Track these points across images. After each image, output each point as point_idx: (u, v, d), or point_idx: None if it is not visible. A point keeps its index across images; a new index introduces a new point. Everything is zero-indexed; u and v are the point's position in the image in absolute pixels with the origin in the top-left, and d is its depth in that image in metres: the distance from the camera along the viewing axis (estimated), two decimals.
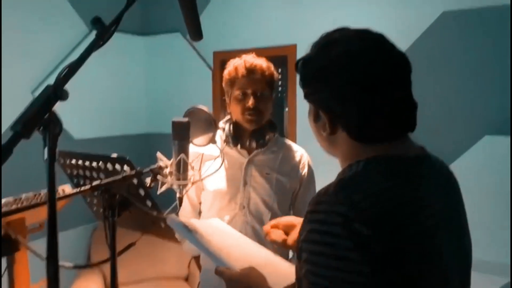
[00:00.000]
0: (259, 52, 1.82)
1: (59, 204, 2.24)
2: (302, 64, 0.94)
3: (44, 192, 2.13)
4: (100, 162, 1.30)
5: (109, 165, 1.28)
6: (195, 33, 1.26)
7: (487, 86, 2.50)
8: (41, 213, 2.28)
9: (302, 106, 3.02)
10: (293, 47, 3.05)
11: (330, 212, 0.76)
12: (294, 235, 1.28)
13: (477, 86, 2.52)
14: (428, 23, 2.62)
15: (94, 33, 0.82)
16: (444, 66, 2.61)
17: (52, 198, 0.74)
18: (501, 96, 2.46)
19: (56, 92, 0.73)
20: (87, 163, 1.36)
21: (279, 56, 3.05)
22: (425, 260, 0.79)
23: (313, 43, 0.94)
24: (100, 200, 1.37)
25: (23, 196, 2.00)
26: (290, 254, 1.75)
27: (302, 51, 0.95)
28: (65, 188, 2.22)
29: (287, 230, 1.29)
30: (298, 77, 0.97)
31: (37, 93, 2.99)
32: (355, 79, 0.85)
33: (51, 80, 3.08)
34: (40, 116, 0.71)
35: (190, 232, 1.30)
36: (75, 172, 1.49)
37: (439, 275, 0.81)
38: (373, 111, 0.85)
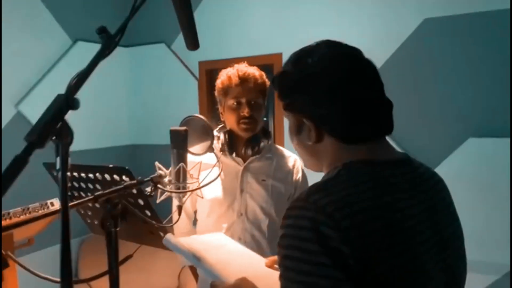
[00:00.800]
0: (245, 61, 1.82)
1: (48, 219, 2.20)
2: (280, 77, 0.97)
3: (32, 206, 2.08)
4: (97, 173, 1.28)
5: (106, 176, 1.26)
6: (192, 41, 1.27)
7: (470, 89, 2.57)
8: (30, 229, 2.23)
9: None
10: (279, 56, 3.09)
11: (299, 217, 0.78)
12: None
13: (460, 90, 2.60)
14: (411, 30, 2.70)
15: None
16: (427, 71, 2.68)
17: (65, 209, 0.74)
18: (484, 98, 2.53)
19: (68, 101, 0.73)
20: (82, 174, 1.34)
21: (264, 65, 3.07)
22: (398, 260, 0.78)
23: (287, 60, 0.98)
24: (96, 212, 1.36)
25: (11, 211, 1.96)
26: None
27: None
28: (54, 202, 2.18)
29: None
30: (277, 92, 0.99)
31: (20, 107, 2.94)
32: (334, 81, 0.89)
33: (35, 94, 3.04)
34: (53, 126, 0.71)
35: (185, 250, 1.28)
36: (69, 184, 1.47)
37: (416, 275, 0.80)
38: (355, 110, 0.88)
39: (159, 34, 3.60)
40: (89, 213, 1.46)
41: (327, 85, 0.89)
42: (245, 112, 1.67)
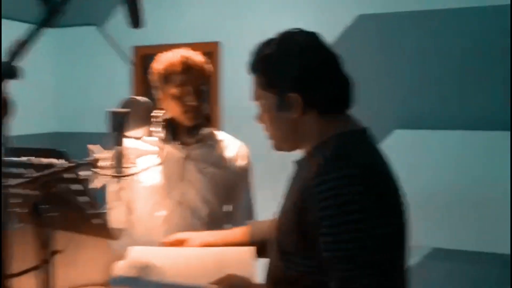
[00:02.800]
0: (182, 47, 1.75)
1: None
2: (265, 57, 1.05)
3: None
4: (28, 156, 1.20)
5: (35, 159, 1.18)
6: (136, 19, 1.21)
7: (395, 82, 2.72)
8: None
9: (228, 100, 3.06)
10: (216, 44, 3.05)
11: (341, 177, 0.90)
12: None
13: (386, 82, 2.73)
14: (345, 26, 2.78)
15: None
16: (356, 65, 2.78)
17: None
18: (409, 91, 2.69)
19: (7, 70, 0.66)
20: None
21: (202, 53, 3.02)
22: (403, 206, 1.00)
23: (264, 44, 1.07)
24: (29, 198, 1.26)
25: None
26: None
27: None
28: None
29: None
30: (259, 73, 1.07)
31: None
32: (319, 55, 1.03)
33: None
34: None
35: (140, 280, 1.23)
36: None
37: (404, 215, 1.01)
38: (336, 82, 1.04)
39: (90, 16, 3.41)
40: (18, 201, 1.34)
41: (314, 59, 1.01)
42: (191, 101, 1.60)
